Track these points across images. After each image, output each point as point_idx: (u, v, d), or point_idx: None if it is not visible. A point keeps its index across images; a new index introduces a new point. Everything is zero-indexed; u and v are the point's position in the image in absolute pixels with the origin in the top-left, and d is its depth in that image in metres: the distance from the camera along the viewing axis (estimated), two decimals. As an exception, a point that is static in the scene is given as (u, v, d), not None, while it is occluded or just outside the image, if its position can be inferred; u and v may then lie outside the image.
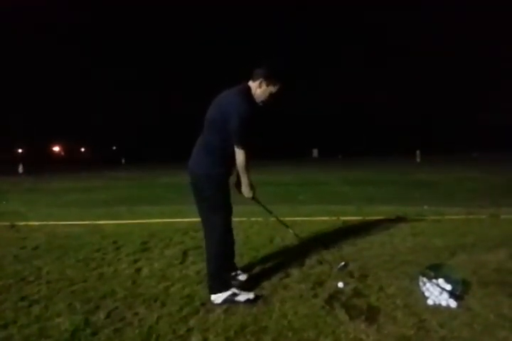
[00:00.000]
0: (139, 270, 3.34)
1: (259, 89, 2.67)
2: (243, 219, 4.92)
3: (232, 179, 2.79)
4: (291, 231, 3.15)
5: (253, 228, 4.85)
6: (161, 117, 78.10)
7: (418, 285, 2.70)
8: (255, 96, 2.69)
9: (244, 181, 2.69)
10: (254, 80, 2.69)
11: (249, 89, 2.70)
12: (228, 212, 2.75)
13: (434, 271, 2.70)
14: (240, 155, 2.56)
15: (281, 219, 5.46)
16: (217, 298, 2.58)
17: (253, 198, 2.79)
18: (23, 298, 2.73)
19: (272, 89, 2.67)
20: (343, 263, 2.88)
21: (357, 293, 2.68)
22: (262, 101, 2.71)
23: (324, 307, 2.46)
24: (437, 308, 2.43)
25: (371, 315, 2.34)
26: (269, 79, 2.64)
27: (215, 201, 2.67)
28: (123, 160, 54.42)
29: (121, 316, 2.41)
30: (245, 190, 2.73)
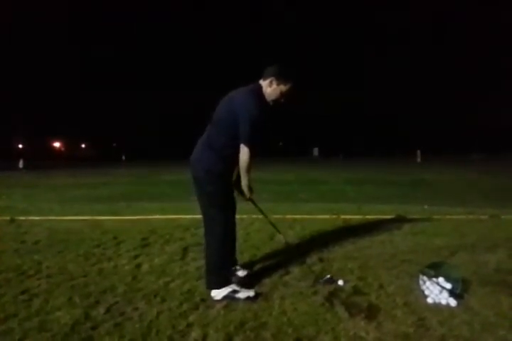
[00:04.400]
0: (139, 265, 3.34)
1: (269, 87, 2.64)
2: (244, 217, 4.92)
3: (233, 177, 2.78)
4: (282, 237, 3.16)
5: (254, 225, 4.85)
6: (161, 114, 78.20)
7: (418, 283, 2.70)
8: (266, 95, 2.66)
9: (244, 182, 2.67)
10: (264, 79, 2.66)
11: (260, 88, 2.67)
12: (230, 208, 2.73)
13: (435, 269, 2.70)
14: (244, 155, 2.53)
15: (282, 217, 5.47)
16: (218, 294, 2.58)
17: (250, 199, 2.78)
18: (23, 292, 2.73)
19: (283, 88, 2.63)
20: (328, 276, 2.85)
21: (357, 291, 2.68)
22: (273, 101, 2.68)
23: (324, 305, 2.46)
24: (437, 307, 2.42)
25: (371, 312, 2.34)
26: (279, 78, 2.61)
27: (216, 196, 2.66)
28: (123, 157, 54.49)
29: (121, 311, 2.41)
30: (244, 190, 2.71)
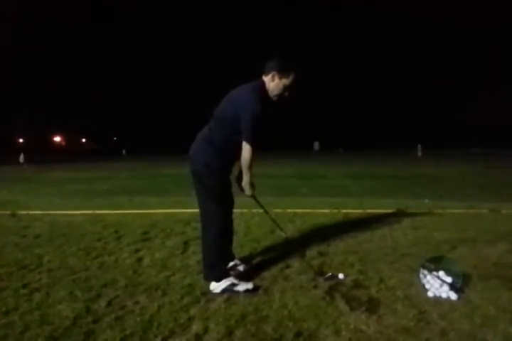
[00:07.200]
0: (140, 259, 3.34)
1: (272, 82, 2.60)
2: (244, 211, 4.92)
3: (234, 172, 2.76)
4: (283, 233, 3.16)
5: (254, 219, 4.85)
6: (163, 108, 78.09)
7: (419, 277, 2.70)
8: (269, 91, 2.62)
9: (245, 178, 2.65)
10: (266, 74, 2.62)
11: (263, 85, 2.63)
12: (227, 203, 2.72)
13: (435, 263, 2.71)
14: (246, 152, 2.51)
15: (283, 211, 5.45)
16: (217, 287, 2.59)
17: (253, 196, 2.76)
18: (24, 286, 2.74)
19: (286, 81, 2.59)
20: (330, 274, 2.85)
21: (357, 285, 2.68)
22: (277, 95, 2.63)
23: (325, 298, 2.46)
24: (438, 300, 2.43)
25: (371, 306, 2.34)
26: (281, 71, 2.57)
27: (214, 191, 2.65)
28: (124, 151, 54.50)
29: (122, 304, 2.42)
30: (245, 187, 2.69)
